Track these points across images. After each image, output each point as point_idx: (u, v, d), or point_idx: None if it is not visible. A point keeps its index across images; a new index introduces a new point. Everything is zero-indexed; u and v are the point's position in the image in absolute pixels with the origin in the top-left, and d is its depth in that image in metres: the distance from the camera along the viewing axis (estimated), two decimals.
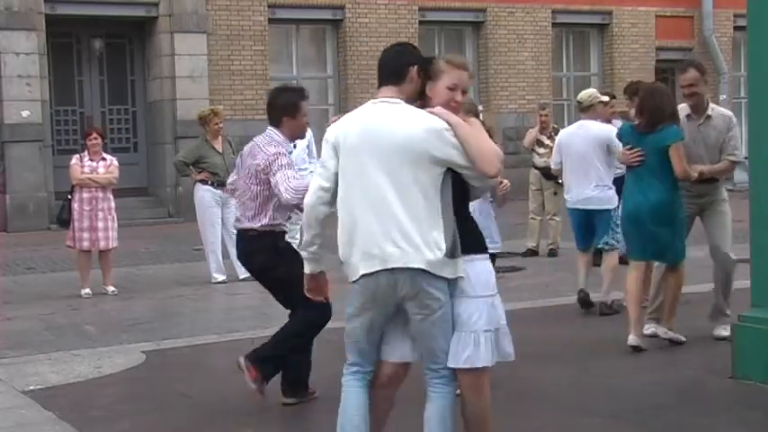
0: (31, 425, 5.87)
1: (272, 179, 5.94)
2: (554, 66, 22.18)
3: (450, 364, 4.29)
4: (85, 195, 10.60)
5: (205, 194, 11.24)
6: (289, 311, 6.24)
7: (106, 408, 6.21)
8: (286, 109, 6.12)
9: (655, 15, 22.86)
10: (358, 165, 4.26)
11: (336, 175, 4.36)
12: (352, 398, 4.48)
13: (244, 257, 6.32)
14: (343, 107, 20.13)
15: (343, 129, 4.35)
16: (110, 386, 6.76)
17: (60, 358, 7.52)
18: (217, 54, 18.97)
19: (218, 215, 11.25)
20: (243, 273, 11.34)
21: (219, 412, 6.03)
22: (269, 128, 6.19)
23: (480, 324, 4.28)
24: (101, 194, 10.65)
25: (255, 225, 6.05)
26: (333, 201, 4.44)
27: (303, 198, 5.22)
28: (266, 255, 6.08)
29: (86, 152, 10.83)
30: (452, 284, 4.25)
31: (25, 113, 17.46)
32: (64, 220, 10.74)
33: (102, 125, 17.26)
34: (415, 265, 4.16)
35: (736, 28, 23.04)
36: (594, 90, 9.52)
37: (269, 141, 6.09)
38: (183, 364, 7.38)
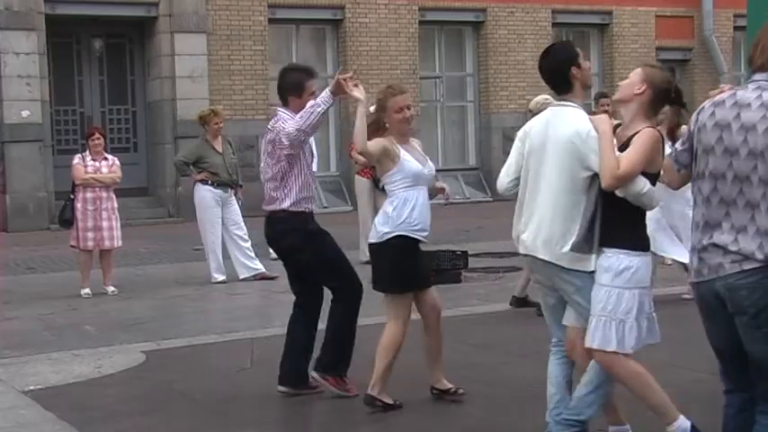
0: (31, 425, 5.87)
1: (285, 140, 5.98)
2: None
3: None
4: (89, 195, 10.59)
5: (205, 194, 11.25)
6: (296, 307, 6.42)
7: (106, 408, 6.21)
8: (291, 89, 6.18)
9: (655, 15, 22.86)
10: (534, 158, 4.79)
11: (520, 167, 4.90)
12: (549, 368, 5.03)
13: (272, 240, 6.37)
14: (343, 107, 20.13)
15: (530, 126, 4.93)
16: (110, 386, 6.76)
17: (60, 358, 7.52)
18: (217, 54, 18.97)
19: (218, 215, 11.25)
20: (243, 273, 11.35)
21: (219, 412, 6.03)
22: (278, 108, 6.27)
23: (597, 309, 4.59)
24: (104, 194, 10.66)
25: (283, 206, 6.10)
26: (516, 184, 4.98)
27: (307, 123, 5.88)
28: (295, 237, 6.14)
29: (88, 151, 10.83)
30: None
31: (25, 113, 17.45)
32: (66, 221, 10.71)
33: (102, 125, 17.25)
34: (541, 257, 4.73)
35: (736, 28, 23.04)
36: (544, 97, 9.51)
37: (277, 119, 6.16)
38: (183, 364, 7.38)
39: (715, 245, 3.75)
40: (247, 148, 17.28)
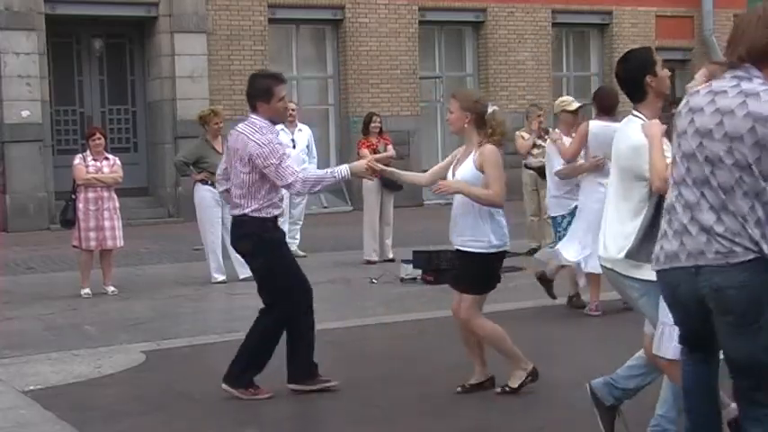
0: (31, 425, 5.87)
1: (269, 169, 6.05)
2: (554, 66, 22.18)
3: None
4: (91, 195, 10.59)
5: (205, 194, 11.24)
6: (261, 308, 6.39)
7: (106, 408, 6.21)
8: (259, 95, 6.22)
9: (655, 15, 22.86)
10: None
11: None
12: None
13: (233, 242, 6.51)
14: (343, 107, 20.15)
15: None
16: (110, 386, 6.77)
17: (60, 358, 7.52)
18: (217, 54, 18.97)
19: (218, 215, 11.24)
20: (243, 273, 11.34)
21: (219, 412, 6.04)
22: (250, 115, 6.27)
23: (667, 319, 4.46)
24: (106, 194, 10.66)
25: (246, 210, 6.16)
26: None
27: (313, 188, 6.22)
28: (249, 242, 6.21)
29: (88, 152, 10.83)
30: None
31: (25, 113, 17.45)
32: (67, 221, 10.70)
33: (102, 125, 17.24)
34: (604, 264, 4.79)
35: None
36: (562, 99, 9.53)
37: (256, 129, 6.17)
38: (183, 364, 7.39)
39: (700, 226, 3.67)
40: None
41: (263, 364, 6.27)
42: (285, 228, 13.10)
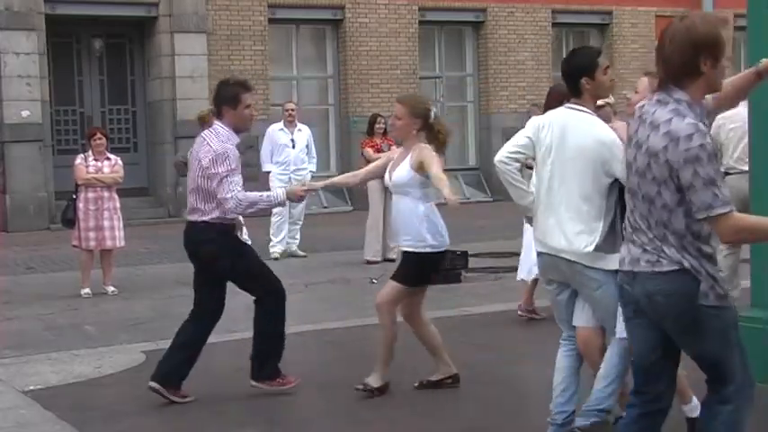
0: (31, 425, 5.87)
1: (214, 178, 6.06)
2: (554, 66, 22.16)
3: (616, 334, 4.82)
4: (91, 195, 10.60)
5: None
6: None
7: (106, 408, 6.21)
8: (226, 101, 6.22)
9: (655, 15, 22.86)
10: (546, 160, 4.86)
11: (529, 150, 4.98)
12: (558, 360, 5.18)
13: (190, 250, 6.33)
14: (342, 107, 20.15)
15: (541, 123, 4.94)
16: (110, 386, 6.77)
17: (60, 358, 7.52)
18: (217, 54, 18.98)
19: None
20: None
21: (220, 412, 6.04)
22: (215, 122, 6.33)
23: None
24: (106, 194, 10.67)
25: (206, 218, 6.15)
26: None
27: (246, 210, 6.13)
28: (214, 246, 6.19)
29: (90, 152, 10.84)
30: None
31: (25, 113, 17.45)
32: (69, 220, 10.72)
33: (102, 125, 17.25)
34: (567, 257, 4.79)
35: (737, 28, 22.98)
36: None
37: (215, 134, 6.20)
38: None
39: (638, 243, 3.78)
40: (247, 149, 17.28)
41: (280, 350, 6.38)
42: (285, 228, 13.18)
